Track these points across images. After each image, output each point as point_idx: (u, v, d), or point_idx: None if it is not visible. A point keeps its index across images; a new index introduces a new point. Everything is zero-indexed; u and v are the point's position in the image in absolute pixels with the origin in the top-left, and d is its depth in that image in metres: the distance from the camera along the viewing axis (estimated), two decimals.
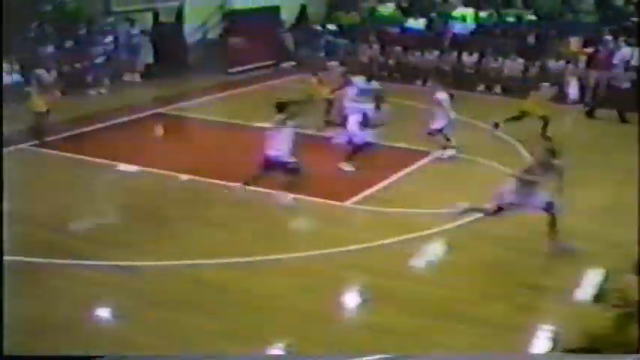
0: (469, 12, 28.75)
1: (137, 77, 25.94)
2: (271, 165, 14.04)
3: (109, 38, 25.31)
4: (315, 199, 14.72)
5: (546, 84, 20.97)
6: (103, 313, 10.66)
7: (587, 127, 21.67)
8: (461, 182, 15.75)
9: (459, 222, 13.33)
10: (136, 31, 26.20)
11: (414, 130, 18.45)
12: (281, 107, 14.20)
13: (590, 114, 22.76)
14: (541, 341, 9.99)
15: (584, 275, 11.82)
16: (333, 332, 10.07)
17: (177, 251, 12.25)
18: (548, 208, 12.25)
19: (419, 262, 12.58)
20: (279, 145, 14.02)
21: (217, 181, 15.49)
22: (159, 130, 20.58)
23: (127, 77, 25.74)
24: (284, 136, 14.05)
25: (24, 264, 11.19)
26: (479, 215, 13.05)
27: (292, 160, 14.01)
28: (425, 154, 17.80)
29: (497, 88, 25.98)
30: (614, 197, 15.32)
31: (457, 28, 28.43)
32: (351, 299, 11.41)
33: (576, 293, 11.39)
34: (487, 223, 12.86)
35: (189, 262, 11.84)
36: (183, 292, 10.96)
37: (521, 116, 19.37)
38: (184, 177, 15.73)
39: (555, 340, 9.93)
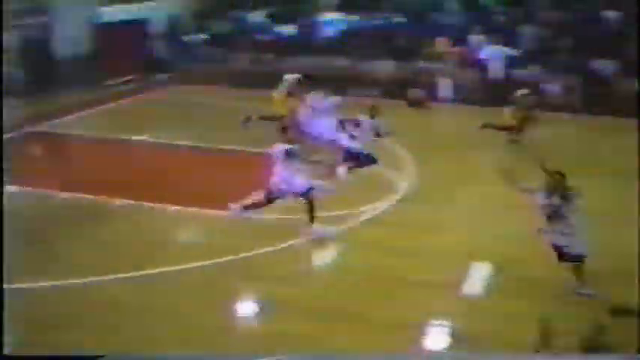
0: (338, 16, 28.94)
1: None
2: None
3: None
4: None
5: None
6: None
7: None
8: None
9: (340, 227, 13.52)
10: None
11: None
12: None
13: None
14: (434, 335, 10.18)
15: (469, 270, 12.05)
16: (230, 340, 9.99)
17: (64, 270, 11.92)
18: (307, 193, 12.92)
19: (307, 266, 12.59)
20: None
21: (96, 197, 15.22)
22: (34, 149, 19.98)
23: None
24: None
25: None
26: (364, 218, 13.31)
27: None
28: None
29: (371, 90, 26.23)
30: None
31: (328, 32, 28.58)
32: (246, 307, 11.31)
33: (464, 287, 11.60)
34: (369, 226, 13.07)
35: (78, 280, 11.55)
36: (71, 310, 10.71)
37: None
38: (64, 195, 15.36)
39: (448, 334, 10.11)
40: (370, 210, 14.55)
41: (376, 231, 13.58)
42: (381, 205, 14.85)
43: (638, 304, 10.09)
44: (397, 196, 15.45)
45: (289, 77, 19.41)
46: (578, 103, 23.86)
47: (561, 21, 26.37)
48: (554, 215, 10.96)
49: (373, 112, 17.03)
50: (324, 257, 12.96)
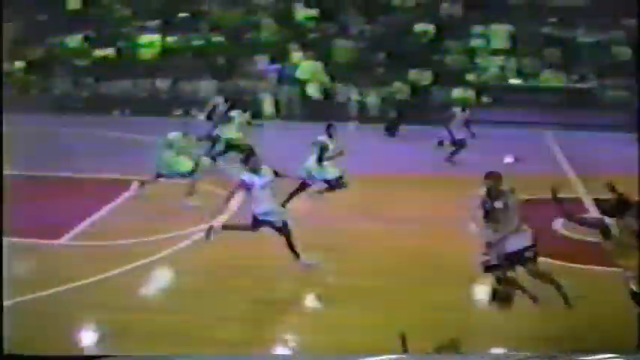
0: (156, 38, 28.80)
1: None
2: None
3: None
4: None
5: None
6: None
7: None
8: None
9: (179, 246, 13.44)
10: None
11: (119, 159, 18.29)
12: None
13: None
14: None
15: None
16: None
17: None
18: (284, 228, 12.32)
19: (148, 290, 12.49)
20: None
21: None
22: None
23: None
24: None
25: None
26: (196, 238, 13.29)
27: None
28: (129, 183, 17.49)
29: (194, 111, 26.24)
30: None
31: (146, 54, 28.41)
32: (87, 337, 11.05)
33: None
34: (204, 245, 13.03)
35: None
36: None
37: None
38: None
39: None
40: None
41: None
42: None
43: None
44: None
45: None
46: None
47: (375, 35, 27.29)
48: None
49: None
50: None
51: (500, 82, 25.82)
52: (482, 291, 11.35)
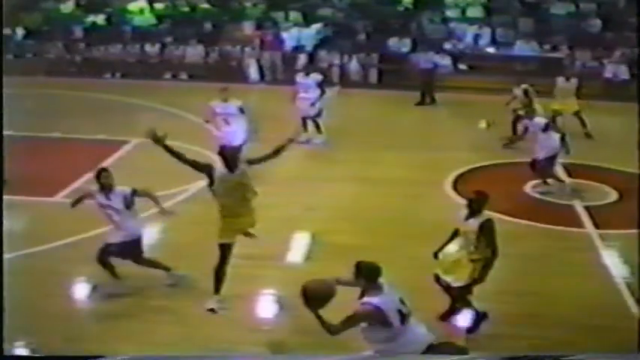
0: (145, 5, 28.70)
1: None
2: None
3: None
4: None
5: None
6: None
7: None
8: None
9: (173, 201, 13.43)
10: None
11: (112, 120, 18.36)
12: None
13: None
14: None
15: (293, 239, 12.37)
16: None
17: None
18: None
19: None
20: None
21: None
22: None
23: None
24: None
25: None
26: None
27: None
28: (124, 142, 17.70)
29: (183, 75, 26.29)
30: None
31: (136, 21, 28.31)
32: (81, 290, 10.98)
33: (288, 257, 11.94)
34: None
35: None
36: None
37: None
38: None
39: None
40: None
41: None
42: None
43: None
44: None
45: None
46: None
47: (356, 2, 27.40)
48: None
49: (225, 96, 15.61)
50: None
51: (475, 50, 25.99)
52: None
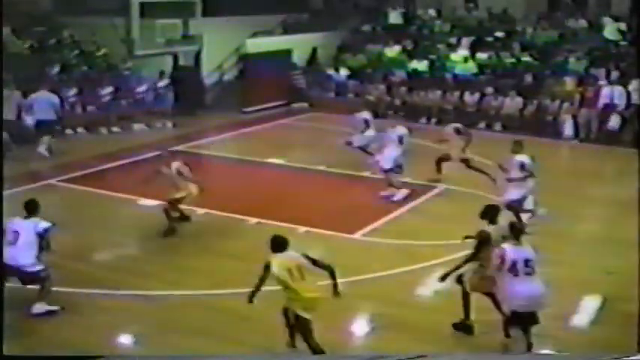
0: (468, 54, 28.65)
1: (169, 124, 25.20)
2: None
3: (143, 87, 25.47)
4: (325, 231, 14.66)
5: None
6: (124, 339, 10.51)
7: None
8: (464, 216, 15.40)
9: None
10: (163, 83, 26.03)
11: (419, 166, 18.28)
12: None
13: None
14: None
15: None
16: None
17: (192, 281, 12.19)
18: None
19: (425, 290, 12.34)
20: None
21: (232, 215, 15.47)
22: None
23: (158, 124, 25.01)
24: None
25: (53, 293, 11.02)
26: None
27: None
28: (428, 188, 17.65)
29: (497, 126, 25.76)
30: None
31: (458, 69, 28.30)
32: (362, 327, 11.18)
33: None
34: None
35: (206, 291, 11.70)
36: (198, 320, 10.84)
37: None
38: (200, 211, 15.52)
39: None
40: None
41: None
42: None
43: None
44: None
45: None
46: None
47: None
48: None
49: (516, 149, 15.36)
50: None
51: None
52: None
